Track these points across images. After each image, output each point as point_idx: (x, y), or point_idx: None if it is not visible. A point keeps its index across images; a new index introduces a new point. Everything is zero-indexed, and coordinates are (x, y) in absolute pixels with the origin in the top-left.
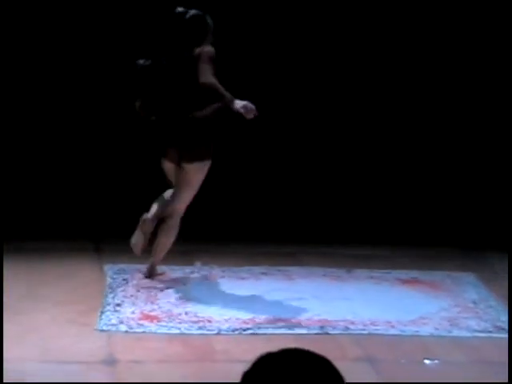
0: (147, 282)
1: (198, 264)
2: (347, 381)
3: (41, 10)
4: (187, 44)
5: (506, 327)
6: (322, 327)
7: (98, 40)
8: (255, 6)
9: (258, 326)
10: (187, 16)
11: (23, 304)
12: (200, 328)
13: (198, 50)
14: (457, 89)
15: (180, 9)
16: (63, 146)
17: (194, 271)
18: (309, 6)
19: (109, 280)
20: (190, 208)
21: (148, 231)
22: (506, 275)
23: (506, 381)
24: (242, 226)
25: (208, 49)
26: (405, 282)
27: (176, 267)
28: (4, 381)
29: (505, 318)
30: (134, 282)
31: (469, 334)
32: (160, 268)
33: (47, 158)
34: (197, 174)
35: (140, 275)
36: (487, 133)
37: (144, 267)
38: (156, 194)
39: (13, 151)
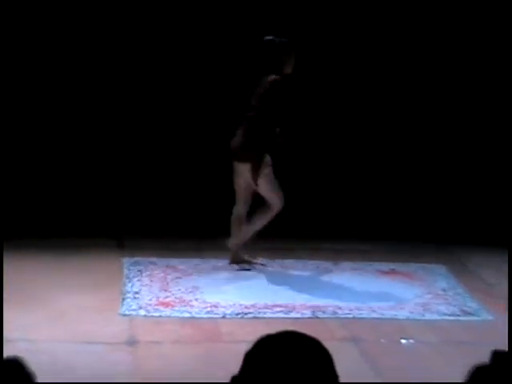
0: (159, 272)
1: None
2: (335, 358)
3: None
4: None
5: (472, 311)
6: (313, 312)
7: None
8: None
9: (259, 310)
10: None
11: (52, 293)
12: (208, 312)
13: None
14: (446, 85)
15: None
16: (90, 148)
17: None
18: (309, 6)
19: (126, 271)
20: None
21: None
22: (474, 267)
23: (473, 359)
24: None
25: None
26: (384, 272)
27: (184, 259)
28: (35, 361)
29: (471, 303)
30: (148, 272)
31: (439, 318)
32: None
33: (78, 160)
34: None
35: (152, 266)
36: (464, 130)
37: (154, 260)
38: (179, 195)
39: (42, 150)
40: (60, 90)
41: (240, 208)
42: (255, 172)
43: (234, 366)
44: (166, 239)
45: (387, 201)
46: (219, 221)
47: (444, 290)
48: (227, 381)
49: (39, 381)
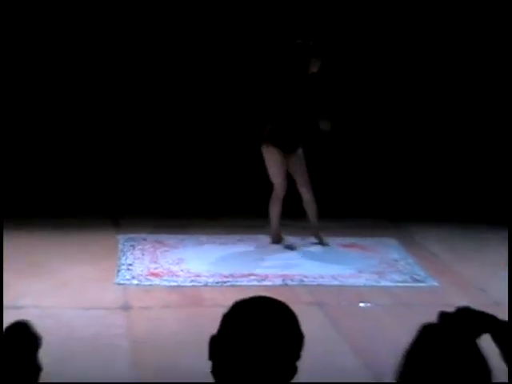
0: (149, 247)
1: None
2: (302, 320)
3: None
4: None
5: (420, 279)
6: (283, 280)
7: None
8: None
9: (236, 279)
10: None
11: (56, 265)
12: (192, 281)
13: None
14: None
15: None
16: (89, 136)
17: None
18: (310, 6)
19: (120, 246)
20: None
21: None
22: (421, 240)
23: (422, 319)
24: (225, 204)
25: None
26: (345, 245)
27: (172, 235)
28: (42, 325)
29: (419, 271)
30: (140, 247)
31: (392, 284)
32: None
33: (78, 147)
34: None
35: (144, 242)
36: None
37: (143, 236)
38: (171, 179)
39: (46, 137)
40: (61, 78)
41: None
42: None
43: (214, 328)
44: (156, 218)
45: (348, 183)
46: (203, 201)
47: (396, 260)
48: (207, 339)
49: (45, 342)
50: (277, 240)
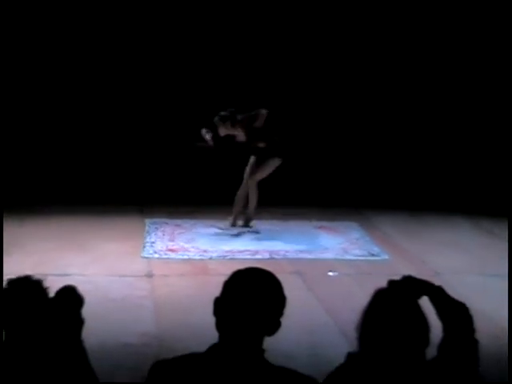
0: (169, 229)
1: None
2: (285, 286)
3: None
4: None
5: (376, 253)
6: (270, 254)
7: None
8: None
9: (234, 254)
10: None
11: (93, 242)
12: (200, 255)
13: None
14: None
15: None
16: (121, 136)
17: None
18: (310, 6)
19: (146, 228)
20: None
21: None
22: (378, 224)
23: (377, 285)
24: (227, 195)
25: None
26: (317, 227)
27: (186, 220)
28: (84, 289)
29: (375, 248)
30: (162, 229)
31: (355, 258)
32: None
33: (111, 146)
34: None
35: (164, 225)
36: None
37: (165, 220)
38: (185, 173)
39: (83, 134)
40: (86, 72)
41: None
42: None
43: (217, 291)
44: (173, 205)
45: (320, 174)
46: (210, 193)
47: (357, 239)
48: (213, 300)
49: (86, 302)
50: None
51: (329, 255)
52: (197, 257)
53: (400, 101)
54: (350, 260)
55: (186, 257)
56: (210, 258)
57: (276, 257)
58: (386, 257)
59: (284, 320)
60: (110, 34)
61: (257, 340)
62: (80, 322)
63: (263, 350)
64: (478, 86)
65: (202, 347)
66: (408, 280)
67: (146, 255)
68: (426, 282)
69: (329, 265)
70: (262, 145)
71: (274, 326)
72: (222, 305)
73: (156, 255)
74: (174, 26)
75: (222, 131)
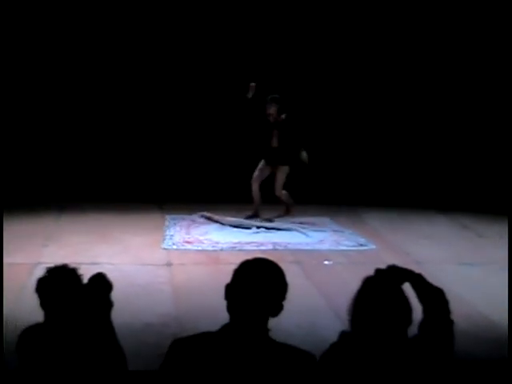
0: (186, 223)
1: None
2: (286, 273)
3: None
4: None
5: (364, 243)
6: (273, 246)
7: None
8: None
9: (242, 245)
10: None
11: (120, 235)
12: (213, 247)
13: None
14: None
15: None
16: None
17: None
18: (311, 6)
19: (166, 223)
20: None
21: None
22: (367, 219)
23: (366, 273)
24: (237, 193)
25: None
26: (303, 223)
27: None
28: (112, 276)
29: (361, 239)
30: (180, 223)
31: (346, 248)
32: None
33: (132, 148)
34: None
35: (182, 220)
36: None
37: (183, 217)
38: (200, 174)
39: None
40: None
41: None
42: None
43: (228, 278)
44: (190, 204)
45: (313, 175)
46: (222, 192)
47: (342, 232)
48: (224, 286)
49: (114, 287)
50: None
51: (324, 246)
52: (210, 248)
53: (389, 102)
54: (343, 250)
55: (200, 248)
56: (221, 249)
57: (278, 248)
58: (373, 246)
59: (286, 304)
60: (125, 24)
61: (262, 320)
62: (109, 304)
63: (268, 330)
64: (461, 83)
65: (215, 327)
66: (392, 268)
67: (165, 247)
68: (408, 270)
69: (324, 255)
70: (275, 144)
71: (277, 308)
72: (232, 290)
73: (174, 246)
74: (199, 16)
75: (271, 109)
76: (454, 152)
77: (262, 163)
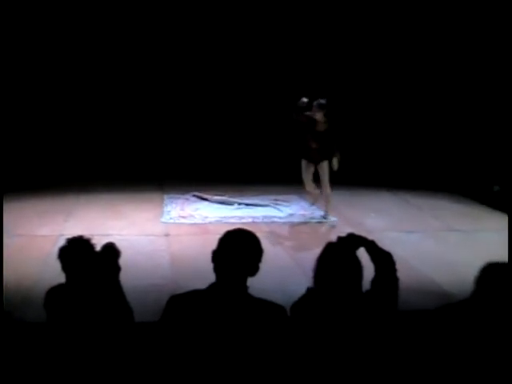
0: (181, 201)
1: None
2: (262, 242)
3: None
4: None
5: (327, 217)
6: (252, 219)
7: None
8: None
9: (227, 219)
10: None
11: (127, 211)
12: (203, 220)
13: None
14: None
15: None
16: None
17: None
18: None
19: (165, 201)
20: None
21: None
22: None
23: (328, 239)
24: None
25: None
26: (276, 200)
27: (180, 195)
28: (121, 245)
29: (322, 212)
30: (176, 201)
31: (312, 220)
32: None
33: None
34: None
35: (178, 199)
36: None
37: (178, 197)
38: (194, 157)
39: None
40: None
41: None
42: None
43: (215, 245)
44: (186, 184)
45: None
46: (212, 173)
47: (310, 207)
48: (211, 252)
49: (122, 254)
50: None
51: (294, 219)
52: (200, 221)
53: (354, 84)
54: (312, 223)
55: (192, 221)
56: (210, 222)
57: (256, 221)
58: (334, 219)
59: (262, 265)
60: (143, 15)
61: (242, 279)
62: (118, 268)
63: (247, 287)
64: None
65: (204, 285)
66: (351, 236)
67: (164, 220)
68: (363, 237)
69: (296, 227)
70: (315, 146)
71: (254, 269)
72: (217, 255)
73: (171, 220)
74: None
75: (317, 116)
76: (402, 136)
77: (304, 163)
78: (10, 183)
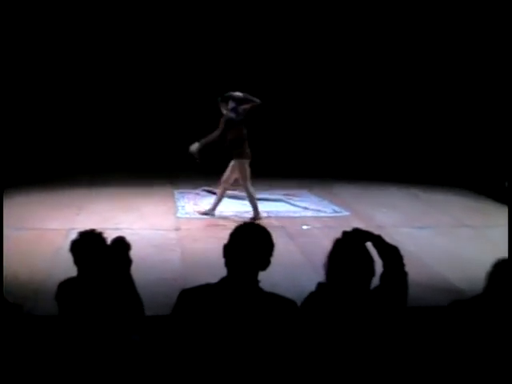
0: (192, 196)
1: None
2: (273, 236)
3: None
4: None
5: (338, 211)
6: (267, 214)
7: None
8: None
9: (238, 214)
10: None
11: (138, 205)
12: (212, 215)
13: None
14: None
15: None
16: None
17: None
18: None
19: (176, 196)
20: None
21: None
22: (338, 192)
23: (338, 234)
24: None
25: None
26: (287, 195)
27: (191, 190)
28: (132, 239)
29: (335, 207)
30: (187, 196)
31: (324, 214)
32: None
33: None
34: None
35: (189, 193)
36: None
37: (189, 191)
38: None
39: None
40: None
41: None
42: None
43: (225, 239)
44: (197, 179)
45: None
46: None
47: (320, 202)
48: (223, 246)
49: (133, 248)
50: None
51: (304, 214)
52: (210, 215)
53: (358, 79)
54: (320, 217)
55: (204, 216)
56: (220, 217)
57: (271, 215)
58: (346, 213)
59: (272, 259)
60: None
61: (253, 274)
62: (129, 261)
63: (258, 281)
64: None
65: (215, 279)
66: (356, 231)
67: (180, 215)
68: (369, 232)
69: (303, 220)
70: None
71: (265, 263)
72: (228, 249)
73: (187, 215)
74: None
75: (224, 109)
76: (412, 131)
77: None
78: (21, 177)
